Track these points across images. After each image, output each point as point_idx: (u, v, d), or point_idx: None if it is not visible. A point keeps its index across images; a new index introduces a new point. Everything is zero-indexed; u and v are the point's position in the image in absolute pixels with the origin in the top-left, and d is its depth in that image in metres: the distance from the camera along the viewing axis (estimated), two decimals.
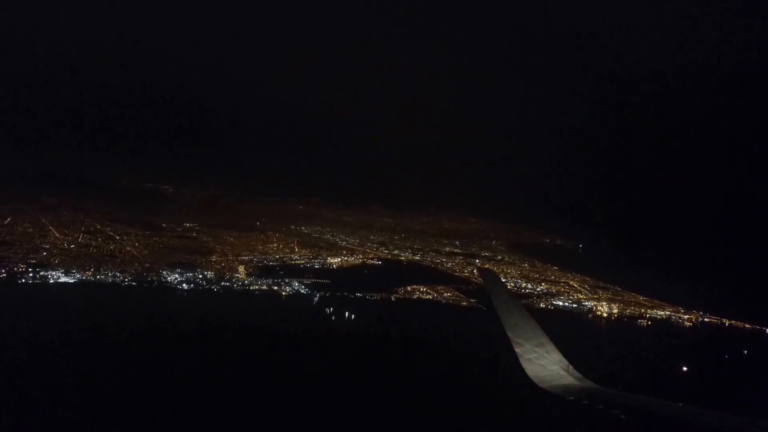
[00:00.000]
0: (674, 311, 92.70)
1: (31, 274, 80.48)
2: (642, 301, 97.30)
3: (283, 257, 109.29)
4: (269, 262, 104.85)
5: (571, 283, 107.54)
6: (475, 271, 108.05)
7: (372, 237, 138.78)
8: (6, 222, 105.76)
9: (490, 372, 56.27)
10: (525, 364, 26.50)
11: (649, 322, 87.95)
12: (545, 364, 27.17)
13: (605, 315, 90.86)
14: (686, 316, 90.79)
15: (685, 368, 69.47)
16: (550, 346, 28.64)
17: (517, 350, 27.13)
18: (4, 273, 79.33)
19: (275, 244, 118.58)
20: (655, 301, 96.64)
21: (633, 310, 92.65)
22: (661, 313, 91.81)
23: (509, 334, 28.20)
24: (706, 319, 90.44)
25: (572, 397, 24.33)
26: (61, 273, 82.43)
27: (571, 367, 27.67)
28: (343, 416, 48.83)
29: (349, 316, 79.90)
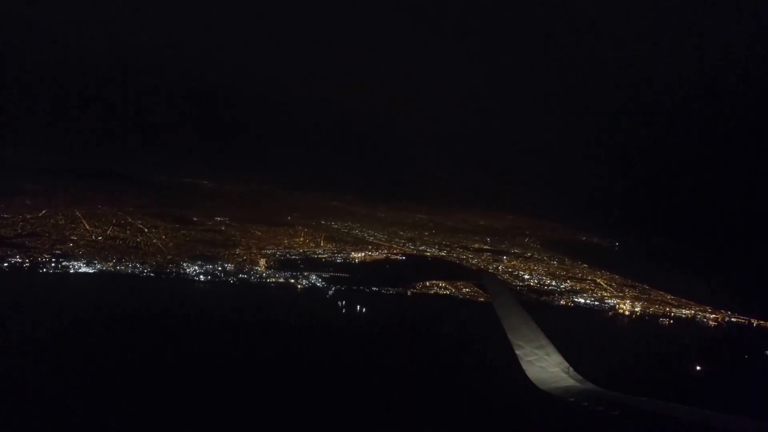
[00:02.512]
0: (701, 310, 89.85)
1: (53, 264, 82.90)
2: (669, 300, 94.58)
3: (306, 251, 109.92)
4: (292, 255, 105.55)
5: (598, 280, 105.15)
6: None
7: (401, 233, 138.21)
8: (40, 214, 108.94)
9: (490, 372, 55.23)
10: (525, 366, 26.33)
11: (671, 321, 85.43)
12: (545, 365, 26.95)
13: (626, 313, 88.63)
14: (712, 316, 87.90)
15: (698, 367, 67.13)
16: (551, 348, 28.40)
17: (517, 352, 26.96)
18: (27, 262, 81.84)
19: (301, 239, 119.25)
20: (683, 300, 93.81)
21: (657, 308, 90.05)
22: (686, 312, 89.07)
23: (510, 336, 28.04)
24: (733, 319, 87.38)
25: (572, 399, 23.99)
26: (83, 263, 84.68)
27: (571, 369, 27.31)
28: (336, 411, 48.40)
29: (360, 309, 79.95)
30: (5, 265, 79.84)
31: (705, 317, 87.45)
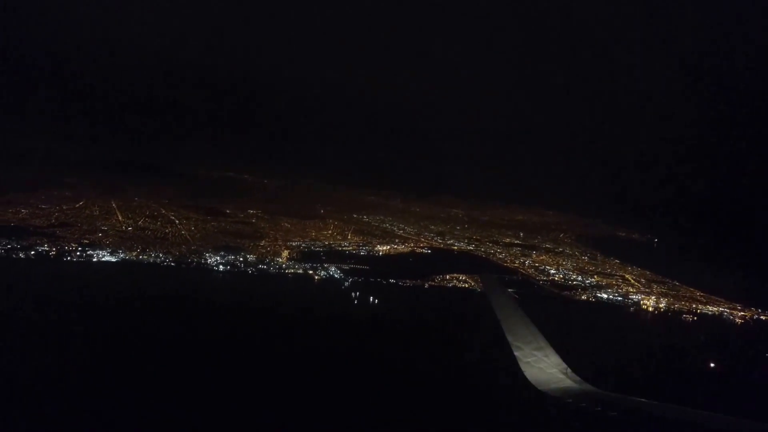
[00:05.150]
0: (730, 307, 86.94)
1: (78, 253, 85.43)
2: (698, 297, 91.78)
3: (331, 244, 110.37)
4: (316, 247, 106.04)
5: (627, 276, 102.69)
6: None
7: (432, 227, 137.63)
8: (77, 205, 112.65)
9: (489, 372, 54.15)
10: (524, 367, 26.45)
11: (694, 318, 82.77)
12: (544, 367, 27.06)
13: (650, 309, 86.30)
14: (740, 313, 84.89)
15: (712, 364, 64.88)
16: (549, 350, 28.43)
17: (516, 354, 27.11)
18: (54, 251, 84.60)
19: (329, 231, 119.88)
20: (712, 297, 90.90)
21: (682, 305, 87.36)
22: (713, 309, 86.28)
23: (509, 338, 28.19)
24: (762, 317, 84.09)
25: (570, 400, 24.04)
26: (107, 253, 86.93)
27: (569, 370, 27.26)
28: (327, 405, 47.72)
29: (373, 300, 79.99)
30: (32, 253, 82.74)
31: (732, 314, 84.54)
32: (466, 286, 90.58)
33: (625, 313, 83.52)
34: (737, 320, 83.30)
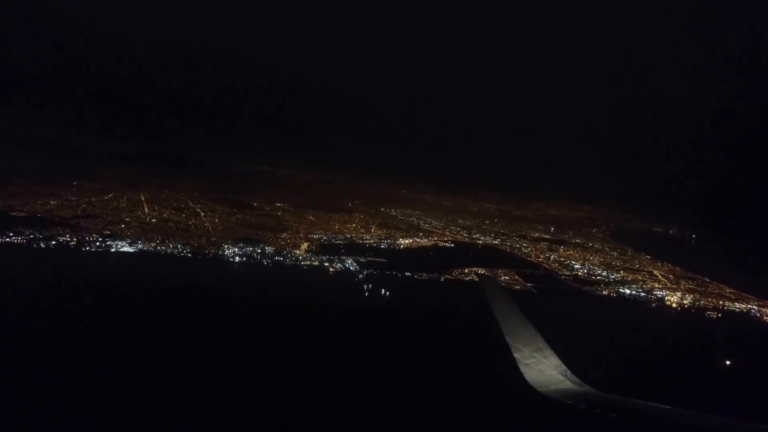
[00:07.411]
0: (760, 304, 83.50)
1: (98, 243, 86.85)
2: (726, 294, 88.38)
3: (353, 237, 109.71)
4: (336, 240, 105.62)
5: (655, 272, 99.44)
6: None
7: (460, 221, 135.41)
8: (106, 197, 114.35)
9: (487, 374, 52.48)
10: (523, 369, 26.04)
11: (718, 315, 79.79)
12: (543, 368, 26.60)
13: (673, 305, 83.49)
14: None
15: (728, 362, 62.20)
16: (548, 351, 27.91)
17: (515, 355, 26.74)
18: (74, 241, 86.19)
19: (354, 225, 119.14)
20: (742, 294, 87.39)
21: (708, 301, 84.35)
22: (740, 306, 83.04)
23: (508, 339, 27.72)
24: None
25: (569, 401, 23.53)
26: (127, 243, 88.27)
27: (569, 371, 26.74)
28: (320, 401, 47.10)
29: (384, 293, 79.14)
30: (52, 243, 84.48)
31: (760, 312, 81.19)
32: None
33: (645, 309, 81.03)
34: (765, 318, 79.91)
